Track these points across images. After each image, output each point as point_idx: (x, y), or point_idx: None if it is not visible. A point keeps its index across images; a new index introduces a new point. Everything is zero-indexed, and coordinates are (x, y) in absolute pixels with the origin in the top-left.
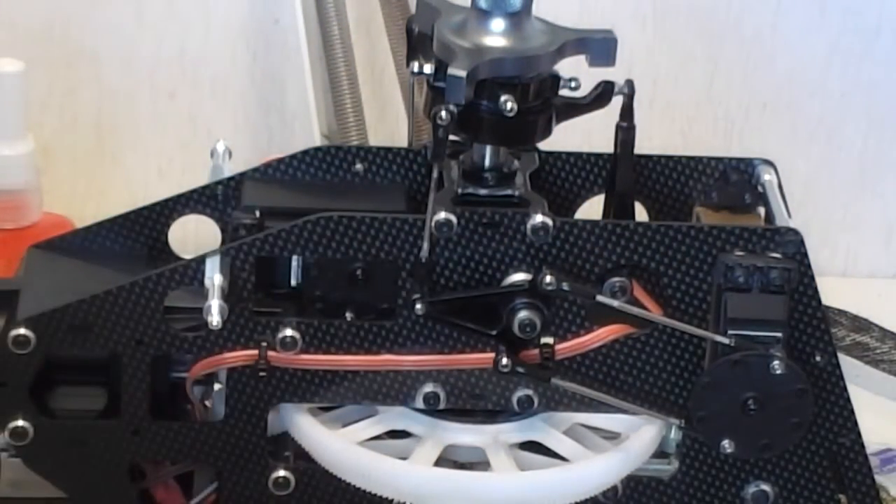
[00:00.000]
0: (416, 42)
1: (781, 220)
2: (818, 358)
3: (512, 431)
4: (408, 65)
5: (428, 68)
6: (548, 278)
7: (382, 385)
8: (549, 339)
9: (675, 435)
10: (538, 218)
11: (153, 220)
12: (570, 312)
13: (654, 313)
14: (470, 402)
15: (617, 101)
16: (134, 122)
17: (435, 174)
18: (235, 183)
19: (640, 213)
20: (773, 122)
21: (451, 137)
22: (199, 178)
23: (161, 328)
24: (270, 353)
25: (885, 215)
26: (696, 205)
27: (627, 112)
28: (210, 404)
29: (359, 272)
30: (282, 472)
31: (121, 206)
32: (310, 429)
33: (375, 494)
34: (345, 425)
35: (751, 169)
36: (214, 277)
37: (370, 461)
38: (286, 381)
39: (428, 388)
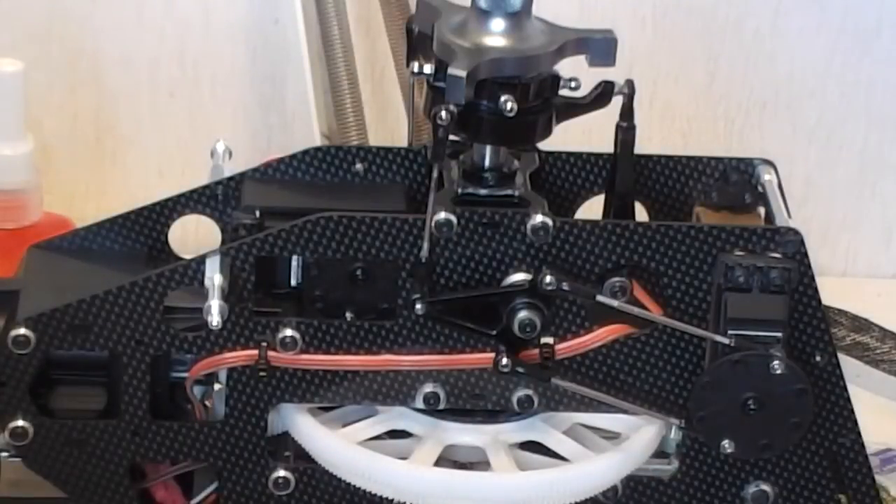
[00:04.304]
0: (416, 42)
1: (781, 220)
2: (818, 358)
3: (512, 431)
4: (408, 65)
5: (428, 68)
6: (548, 278)
7: (382, 385)
8: (549, 339)
9: (675, 435)
10: (538, 218)
11: (153, 220)
12: (570, 312)
13: (654, 313)
14: (470, 402)
15: (617, 101)
16: (134, 122)
17: (435, 174)
18: (235, 183)
19: (640, 213)
20: (773, 121)
21: (451, 137)
22: (199, 178)
23: (161, 328)
24: (270, 353)
25: (885, 215)
26: (696, 205)
27: (627, 112)
28: (210, 404)
29: (359, 272)
30: (282, 472)
31: (121, 206)
32: (310, 429)
33: (375, 494)
34: (345, 425)
35: (751, 169)
36: (214, 277)
37: (370, 461)
38: (286, 381)
39: (428, 388)
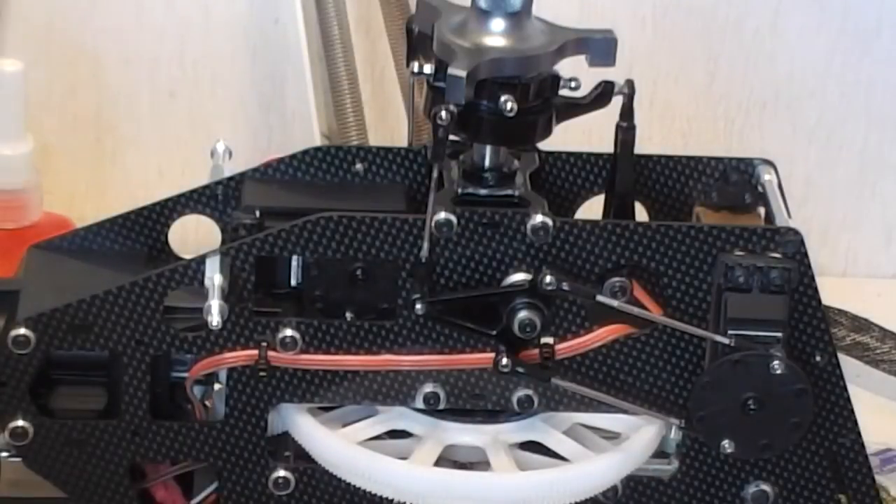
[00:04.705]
0: (416, 42)
1: (781, 220)
2: (818, 358)
3: (512, 431)
4: (408, 65)
5: (428, 68)
6: (548, 278)
7: (382, 385)
8: (549, 339)
9: (675, 435)
10: (538, 218)
11: (153, 220)
12: (570, 312)
13: (654, 313)
14: (470, 402)
15: (617, 101)
16: (134, 122)
17: (435, 174)
18: (235, 183)
19: (640, 213)
20: (773, 121)
21: (451, 137)
22: (199, 178)
23: (161, 328)
24: (270, 353)
25: (885, 215)
26: (696, 205)
27: (627, 112)
28: (210, 404)
29: (359, 272)
30: (282, 472)
31: (121, 206)
32: (310, 429)
33: (375, 494)
34: (345, 425)
35: (751, 169)
36: (214, 277)
37: (370, 461)
38: (286, 381)
39: (428, 388)
